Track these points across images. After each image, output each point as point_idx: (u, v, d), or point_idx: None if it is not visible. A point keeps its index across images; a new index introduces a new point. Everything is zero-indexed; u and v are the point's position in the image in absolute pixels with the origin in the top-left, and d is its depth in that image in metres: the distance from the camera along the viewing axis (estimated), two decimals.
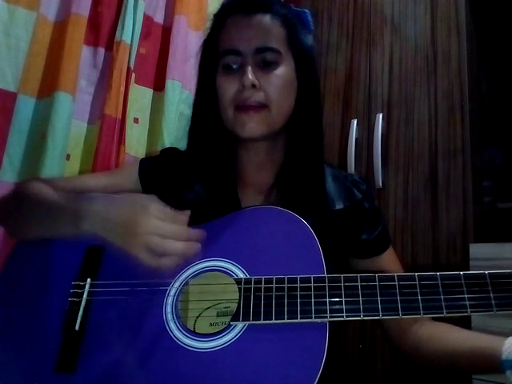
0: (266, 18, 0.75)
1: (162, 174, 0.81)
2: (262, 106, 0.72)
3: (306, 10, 0.81)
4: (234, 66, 0.74)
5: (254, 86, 0.71)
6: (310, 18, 0.81)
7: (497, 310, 0.58)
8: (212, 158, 0.79)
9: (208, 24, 0.81)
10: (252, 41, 0.73)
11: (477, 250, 1.19)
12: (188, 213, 0.66)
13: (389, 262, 0.82)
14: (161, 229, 0.61)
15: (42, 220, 0.71)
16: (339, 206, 0.78)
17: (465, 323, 1.17)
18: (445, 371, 1.10)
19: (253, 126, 0.72)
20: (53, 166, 1.25)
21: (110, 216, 0.64)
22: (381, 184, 1.45)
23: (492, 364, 0.62)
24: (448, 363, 0.71)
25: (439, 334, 0.73)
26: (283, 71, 0.74)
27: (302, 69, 0.77)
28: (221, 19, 0.78)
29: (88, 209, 0.65)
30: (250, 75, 0.71)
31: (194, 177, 0.79)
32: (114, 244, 0.63)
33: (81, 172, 1.37)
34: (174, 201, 0.77)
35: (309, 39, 0.79)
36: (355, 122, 1.57)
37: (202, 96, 0.79)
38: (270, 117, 0.73)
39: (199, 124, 0.80)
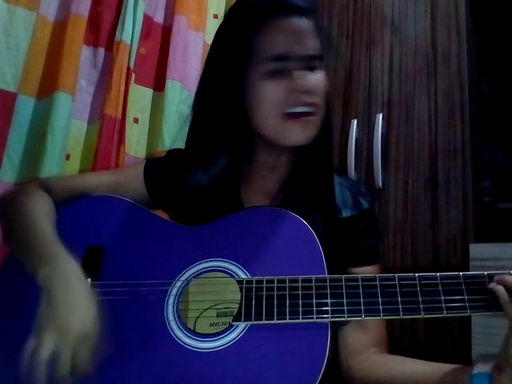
0: (310, 24, 0.72)
1: (167, 176, 0.80)
2: (312, 113, 0.70)
3: None
4: (280, 70, 0.70)
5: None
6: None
7: (496, 311, 0.59)
8: (221, 156, 0.76)
9: (230, 17, 0.75)
10: (303, 46, 0.70)
11: (477, 250, 1.19)
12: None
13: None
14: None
15: (19, 240, 0.71)
16: (346, 213, 0.77)
17: (465, 322, 1.18)
18: None
19: (302, 135, 0.70)
20: (52, 166, 1.25)
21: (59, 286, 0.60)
22: (381, 184, 1.45)
23: None
24: None
25: (386, 366, 0.70)
26: (323, 77, 0.72)
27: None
28: (259, 18, 0.71)
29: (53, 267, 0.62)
30: (308, 80, 0.69)
31: (195, 175, 0.77)
32: (45, 296, 0.59)
33: (81, 172, 1.37)
34: (177, 202, 0.78)
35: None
36: (355, 122, 1.57)
37: (223, 93, 0.74)
38: (315, 124, 0.71)
39: (213, 123, 0.76)
